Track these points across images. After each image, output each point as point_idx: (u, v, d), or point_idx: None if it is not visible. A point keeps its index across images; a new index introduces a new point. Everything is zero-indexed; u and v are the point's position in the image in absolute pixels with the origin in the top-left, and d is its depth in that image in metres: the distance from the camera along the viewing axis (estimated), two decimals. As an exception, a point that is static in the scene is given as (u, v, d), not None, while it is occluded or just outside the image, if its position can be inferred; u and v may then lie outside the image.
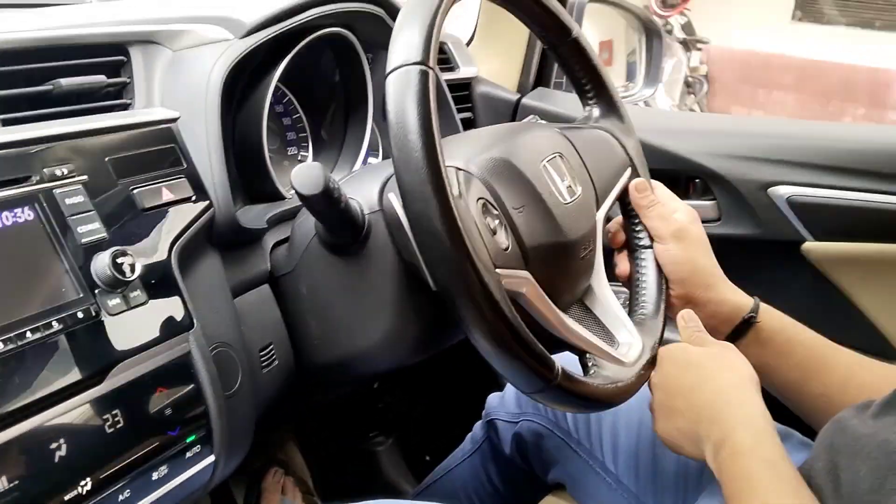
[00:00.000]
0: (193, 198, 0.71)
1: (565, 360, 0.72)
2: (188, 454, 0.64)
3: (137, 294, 0.62)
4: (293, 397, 0.86)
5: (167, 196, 0.68)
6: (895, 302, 1.18)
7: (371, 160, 1.09)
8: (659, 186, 0.92)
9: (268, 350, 0.79)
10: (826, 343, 0.84)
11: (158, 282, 0.64)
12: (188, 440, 0.64)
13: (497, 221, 0.72)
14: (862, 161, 1.15)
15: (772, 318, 0.85)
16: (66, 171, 0.61)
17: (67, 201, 0.60)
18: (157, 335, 0.63)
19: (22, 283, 0.56)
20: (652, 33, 1.59)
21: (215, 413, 0.66)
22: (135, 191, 0.66)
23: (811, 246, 1.20)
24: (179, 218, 0.69)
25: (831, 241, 1.18)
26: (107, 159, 0.65)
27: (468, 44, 1.47)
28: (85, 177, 0.62)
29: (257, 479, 1.34)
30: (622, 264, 0.90)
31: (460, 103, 1.27)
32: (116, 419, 0.58)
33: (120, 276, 0.59)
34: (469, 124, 1.30)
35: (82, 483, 0.56)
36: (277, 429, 1.37)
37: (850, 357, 0.83)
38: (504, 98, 1.42)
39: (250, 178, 0.89)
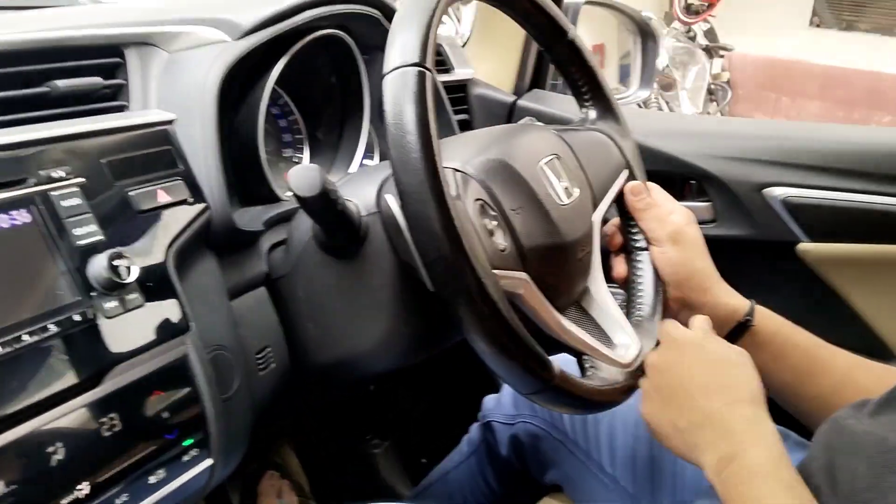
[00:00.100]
0: (190, 200, 0.70)
1: (562, 362, 0.72)
2: (185, 457, 0.64)
3: (134, 297, 0.62)
4: (290, 400, 0.86)
5: (163, 198, 0.68)
6: (890, 302, 1.18)
7: (367, 162, 1.09)
8: (655, 188, 0.92)
9: (265, 353, 0.79)
10: (822, 345, 0.84)
11: (155, 284, 0.64)
12: (185, 443, 0.64)
13: (494, 223, 0.72)
14: (857, 162, 1.16)
15: (768, 320, 0.85)
16: (62, 174, 0.61)
17: (64, 203, 0.60)
18: (154, 338, 0.62)
19: (18, 286, 0.56)
20: (647, 35, 1.59)
21: (212, 416, 0.66)
22: (131, 193, 0.65)
23: (806, 247, 1.20)
24: (176, 220, 0.68)
25: (826, 242, 1.19)
26: (103, 161, 0.65)
27: (464, 45, 1.47)
28: (81, 179, 0.62)
29: (253, 482, 1.34)
30: (619, 266, 0.90)
31: (456, 105, 1.27)
32: (113, 423, 0.58)
33: (117, 279, 0.59)
34: (465, 126, 1.30)
35: (79, 487, 0.56)
36: (274, 432, 1.37)
37: (845, 358, 0.83)
38: (500, 100, 1.42)
39: (246, 181, 0.89)
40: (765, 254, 1.24)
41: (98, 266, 0.59)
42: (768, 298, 0.87)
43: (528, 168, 0.78)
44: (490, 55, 1.46)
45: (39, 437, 0.54)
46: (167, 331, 0.64)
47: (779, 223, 1.20)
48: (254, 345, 0.78)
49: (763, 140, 1.25)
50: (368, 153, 1.09)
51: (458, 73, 1.32)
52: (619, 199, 0.90)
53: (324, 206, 0.67)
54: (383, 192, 0.74)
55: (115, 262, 0.59)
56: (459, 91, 1.34)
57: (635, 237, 0.89)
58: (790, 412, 0.85)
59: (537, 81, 1.50)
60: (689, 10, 4.97)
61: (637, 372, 0.77)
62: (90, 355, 0.58)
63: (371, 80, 1.04)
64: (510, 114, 1.42)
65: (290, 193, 0.92)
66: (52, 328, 0.56)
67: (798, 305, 0.96)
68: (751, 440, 0.65)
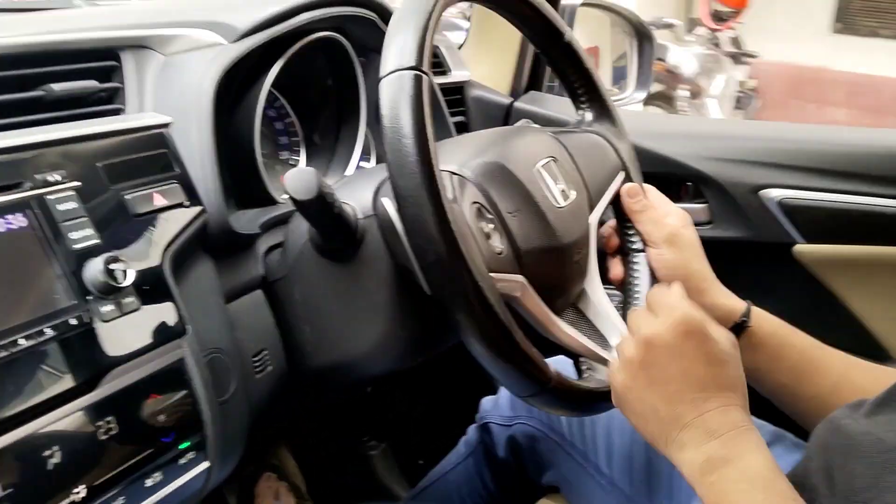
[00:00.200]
0: (186, 203, 0.70)
1: (559, 364, 0.72)
2: (182, 460, 0.64)
3: (130, 300, 0.62)
4: (287, 402, 0.86)
5: (160, 202, 0.68)
6: (886, 304, 1.19)
7: (363, 165, 1.09)
8: (651, 190, 0.92)
9: (261, 356, 0.79)
10: (818, 345, 0.84)
11: (151, 288, 0.64)
12: (182, 446, 0.64)
13: (491, 225, 0.72)
14: (853, 164, 1.16)
15: (764, 322, 0.85)
16: (58, 177, 0.61)
17: (60, 207, 0.60)
18: (151, 341, 0.62)
19: (14, 290, 0.56)
20: (643, 37, 1.59)
21: (209, 419, 0.66)
22: (127, 196, 0.65)
23: (803, 248, 1.20)
24: (172, 223, 0.68)
25: (823, 244, 1.19)
26: (99, 165, 0.65)
27: (460, 47, 1.47)
28: (77, 182, 0.62)
29: (250, 484, 1.34)
30: (615, 268, 0.90)
31: (453, 107, 1.27)
32: (110, 426, 0.58)
33: (113, 283, 0.59)
34: (462, 128, 1.30)
35: (76, 490, 0.56)
36: (271, 434, 1.37)
37: (841, 359, 0.83)
38: (496, 102, 1.42)
39: (242, 183, 0.89)
40: (761, 255, 1.25)
41: (94, 270, 0.59)
42: (765, 300, 0.87)
43: (524, 171, 0.78)
44: (487, 57, 1.46)
45: (36, 441, 0.54)
46: (164, 334, 0.64)
47: (775, 225, 1.20)
48: (250, 348, 0.77)
49: (759, 142, 1.25)
50: (365, 156, 1.09)
51: (455, 76, 1.32)
52: (616, 202, 0.90)
53: (320, 209, 0.67)
54: (380, 195, 0.74)
55: (112, 266, 0.59)
56: (456, 93, 1.34)
57: (632, 239, 0.89)
58: (787, 413, 0.85)
59: (534, 83, 1.50)
60: (716, 17, 4.94)
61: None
62: (86, 359, 0.58)
63: (367, 82, 1.04)
64: (507, 116, 1.42)
65: (286, 196, 0.92)
66: (49, 332, 0.56)
67: (794, 307, 0.96)
68: (747, 447, 0.63)
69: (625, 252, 0.90)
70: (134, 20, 0.88)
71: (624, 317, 0.85)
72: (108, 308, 0.60)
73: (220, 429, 0.68)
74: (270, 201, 0.90)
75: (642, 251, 0.88)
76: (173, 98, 0.78)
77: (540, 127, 0.94)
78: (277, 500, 1.34)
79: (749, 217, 1.22)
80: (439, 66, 1.30)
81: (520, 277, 0.70)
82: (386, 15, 1.01)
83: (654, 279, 0.87)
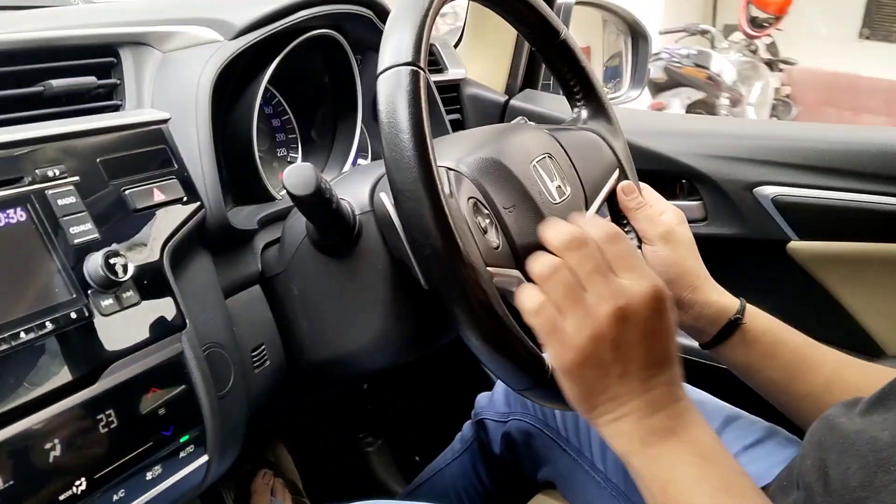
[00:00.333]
0: (185, 199, 0.71)
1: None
2: (182, 454, 0.65)
3: (130, 294, 0.62)
4: (285, 397, 0.86)
5: (159, 197, 0.68)
6: (879, 300, 1.19)
7: (360, 162, 1.09)
8: (646, 188, 0.92)
9: (259, 350, 0.79)
10: (811, 343, 0.85)
11: (151, 282, 0.64)
12: (182, 440, 0.64)
13: (488, 221, 0.72)
14: (846, 161, 1.17)
15: (758, 319, 0.85)
16: (57, 172, 0.61)
17: (59, 202, 0.60)
18: (150, 335, 0.63)
19: (15, 284, 0.56)
20: (638, 36, 1.60)
21: (208, 413, 0.66)
22: (126, 192, 0.66)
23: (796, 245, 1.21)
24: (171, 219, 0.69)
25: (816, 241, 1.20)
26: (98, 160, 0.65)
27: (456, 45, 1.47)
28: (77, 178, 0.62)
29: (246, 481, 1.34)
30: (611, 265, 0.90)
31: (449, 105, 1.28)
32: (110, 419, 0.59)
33: (113, 277, 0.59)
34: (457, 126, 1.30)
35: (77, 483, 0.56)
36: (268, 430, 1.37)
37: (834, 357, 0.84)
38: (492, 99, 1.42)
39: (240, 180, 0.89)
40: (755, 252, 1.25)
41: (94, 264, 0.59)
42: (758, 296, 0.88)
43: (520, 167, 0.79)
44: (482, 55, 1.47)
45: (37, 434, 0.54)
46: (163, 328, 0.64)
47: (769, 222, 1.21)
48: (249, 342, 0.78)
49: (753, 139, 1.26)
50: (361, 152, 1.09)
51: (451, 73, 1.33)
52: (611, 199, 0.91)
53: (318, 204, 0.68)
54: (377, 190, 0.74)
55: (112, 261, 0.59)
56: (452, 91, 1.35)
57: (627, 236, 0.90)
58: (779, 409, 0.86)
59: (529, 81, 1.51)
60: (755, 23, 4.90)
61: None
62: (87, 352, 0.58)
63: (364, 79, 1.04)
64: (502, 114, 1.43)
65: (283, 192, 0.92)
66: (49, 325, 0.56)
67: (788, 303, 0.97)
68: (692, 419, 0.61)
69: (620, 248, 0.90)
70: (132, 17, 0.88)
71: None
72: (107, 302, 0.60)
73: (220, 423, 0.68)
74: (268, 197, 0.90)
75: (637, 248, 0.88)
76: (171, 94, 0.78)
77: (536, 124, 0.95)
78: (274, 497, 1.34)
79: (743, 214, 1.23)
80: (435, 63, 1.31)
81: (516, 272, 0.71)
82: (382, 13, 1.01)
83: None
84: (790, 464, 0.72)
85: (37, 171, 0.60)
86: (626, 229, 0.90)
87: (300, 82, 1.03)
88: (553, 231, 0.63)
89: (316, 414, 1.51)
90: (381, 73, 0.64)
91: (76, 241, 0.60)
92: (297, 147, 1.07)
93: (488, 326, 0.63)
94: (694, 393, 0.99)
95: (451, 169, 0.73)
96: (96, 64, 0.77)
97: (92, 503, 0.57)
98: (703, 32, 4.87)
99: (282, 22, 0.88)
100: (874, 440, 0.57)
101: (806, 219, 1.19)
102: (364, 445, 1.57)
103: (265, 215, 0.84)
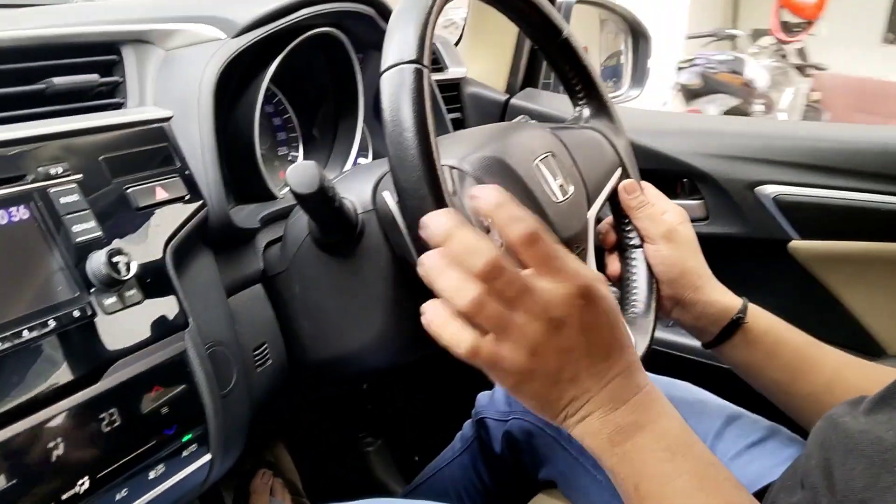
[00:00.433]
0: (187, 197, 0.70)
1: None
2: (185, 453, 0.64)
3: (133, 293, 0.62)
4: (287, 396, 0.86)
5: (161, 195, 0.68)
6: (880, 300, 1.19)
7: (361, 160, 1.09)
8: (648, 187, 0.92)
9: (261, 349, 0.79)
10: (813, 342, 0.85)
11: (153, 281, 0.64)
12: (184, 439, 0.64)
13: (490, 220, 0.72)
14: (847, 160, 1.17)
15: (760, 318, 0.85)
16: (60, 170, 0.61)
17: (62, 200, 0.60)
18: (153, 334, 0.63)
19: (17, 283, 0.56)
20: (638, 35, 1.60)
21: (211, 412, 0.66)
22: (129, 190, 0.65)
23: (797, 244, 1.21)
24: (173, 217, 0.68)
25: (817, 240, 1.20)
26: (101, 158, 0.65)
27: (457, 44, 1.47)
28: (79, 176, 0.62)
29: (245, 480, 1.34)
30: (613, 264, 0.91)
31: (450, 104, 1.28)
32: (113, 418, 0.58)
33: (115, 275, 0.59)
34: (458, 125, 1.30)
35: (80, 482, 0.56)
36: (268, 429, 1.37)
37: (836, 356, 0.84)
38: (493, 98, 1.42)
39: (242, 178, 0.89)
40: (757, 251, 1.25)
41: (97, 262, 0.59)
42: (760, 296, 0.88)
43: (523, 165, 0.79)
44: (483, 54, 1.47)
45: (39, 433, 0.54)
46: (166, 327, 0.64)
47: (770, 221, 1.21)
48: (251, 341, 0.78)
49: (754, 138, 1.26)
50: (363, 152, 1.09)
51: (452, 72, 1.33)
52: (613, 198, 0.91)
53: (321, 202, 0.68)
54: (379, 189, 0.74)
55: (114, 259, 0.59)
56: (452, 90, 1.35)
57: (629, 235, 0.90)
58: (781, 409, 0.86)
59: (530, 80, 1.51)
60: (787, 28, 4.86)
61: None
62: (89, 351, 0.58)
63: (365, 78, 1.04)
64: (503, 112, 1.43)
65: (285, 191, 0.92)
66: (52, 324, 0.56)
67: (789, 302, 0.97)
68: (658, 410, 0.60)
69: (622, 248, 0.90)
70: (134, 15, 0.88)
71: (621, 312, 0.86)
72: (110, 300, 0.60)
73: (222, 421, 0.68)
74: (270, 196, 0.90)
75: (640, 247, 0.88)
76: (174, 92, 0.78)
77: (538, 123, 0.95)
78: (273, 496, 1.33)
79: (744, 213, 1.23)
80: (436, 62, 1.30)
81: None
82: (384, 11, 1.01)
83: (652, 275, 0.87)
84: (794, 463, 0.71)
85: (39, 169, 0.60)
86: (627, 228, 0.90)
87: (301, 81, 1.03)
88: (476, 259, 0.57)
89: (316, 414, 1.51)
90: (385, 70, 0.63)
91: (79, 239, 0.60)
92: (299, 146, 1.06)
93: None
94: (696, 392, 0.99)
95: (454, 167, 0.73)
96: (98, 62, 0.77)
97: (94, 502, 0.57)
98: (731, 37, 4.82)
99: (284, 20, 0.88)
100: (879, 440, 0.57)
101: (807, 218, 1.19)
102: (364, 445, 1.57)
103: (267, 214, 0.83)
